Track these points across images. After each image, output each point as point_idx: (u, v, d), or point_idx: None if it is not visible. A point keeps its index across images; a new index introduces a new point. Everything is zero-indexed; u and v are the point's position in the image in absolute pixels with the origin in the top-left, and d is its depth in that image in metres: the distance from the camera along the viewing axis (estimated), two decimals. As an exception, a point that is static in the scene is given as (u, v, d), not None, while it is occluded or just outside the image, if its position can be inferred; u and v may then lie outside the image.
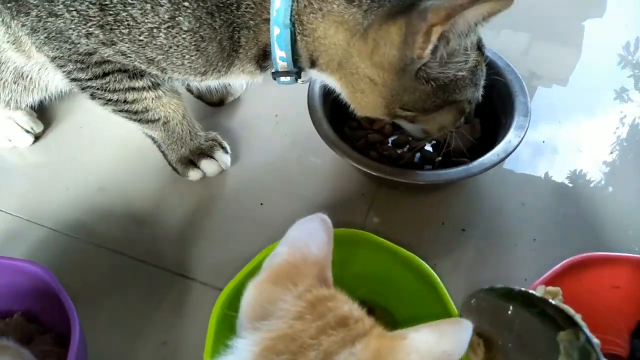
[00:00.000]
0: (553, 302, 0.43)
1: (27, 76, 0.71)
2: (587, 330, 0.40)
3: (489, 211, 0.74)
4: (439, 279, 0.54)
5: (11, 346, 0.49)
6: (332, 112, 0.73)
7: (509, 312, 0.44)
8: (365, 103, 0.62)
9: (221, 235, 0.72)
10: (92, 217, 0.74)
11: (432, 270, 0.55)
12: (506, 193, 0.76)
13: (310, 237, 0.41)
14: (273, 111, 0.85)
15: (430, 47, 0.52)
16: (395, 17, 0.53)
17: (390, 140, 0.76)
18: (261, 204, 0.74)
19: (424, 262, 0.55)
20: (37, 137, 0.83)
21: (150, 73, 0.64)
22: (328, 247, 0.41)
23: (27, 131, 0.82)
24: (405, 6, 0.53)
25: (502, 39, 0.97)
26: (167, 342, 0.62)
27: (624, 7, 1.07)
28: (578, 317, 0.42)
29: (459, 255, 0.69)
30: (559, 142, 0.82)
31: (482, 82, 0.62)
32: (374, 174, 0.66)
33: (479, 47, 0.59)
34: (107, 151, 0.82)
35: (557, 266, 0.53)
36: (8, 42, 0.66)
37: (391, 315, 0.58)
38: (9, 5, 0.60)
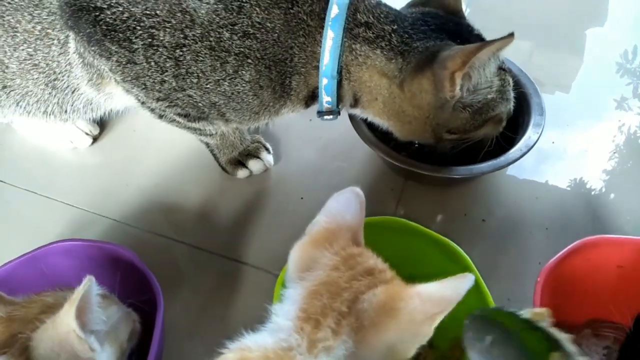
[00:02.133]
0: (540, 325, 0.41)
1: (95, 103, 0.79)
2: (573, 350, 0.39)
3: (506, 204, 0.82)
4: (468, 258, 0.61)
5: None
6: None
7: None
8: (412, 133, 0.73)
9: (267, 225, 0.80)
10: (151, 209, 0.83)
11: (460, 249, 0.62)
12: (521, 188, 0.84)
13: (345, 207, 0.49)
14: (307, 116, 0.94)
15: (458, 87, 0.64)
16: (423, 69, 0.65)
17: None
18: (301, 198, 0.83)
19: (455, 244, 0.63)
20: (94, 139, 0.92)
21: (210, 120, 0.73)
22: (360, 215, 0.49)
23: (87, 133, 0.91)
24: (429, 59, 0.64)
25: (507, 47, 1.05)
26: (226, 316, 0.70)
27: (625, 15, 1.14)
28: (564, 340, 0.40)
29: (480, 243, 0.78)
30: (565, 146, 0.90)
31: (512, 95, 0.72)
32: (417, 171, 0.74)
33: (502, 68, 0.69)
34: (159, 152, 0.90)
35: (569, 246, 0.60)
36: (86, 79, 0.73)
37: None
38: (92, 48, 0.67)
